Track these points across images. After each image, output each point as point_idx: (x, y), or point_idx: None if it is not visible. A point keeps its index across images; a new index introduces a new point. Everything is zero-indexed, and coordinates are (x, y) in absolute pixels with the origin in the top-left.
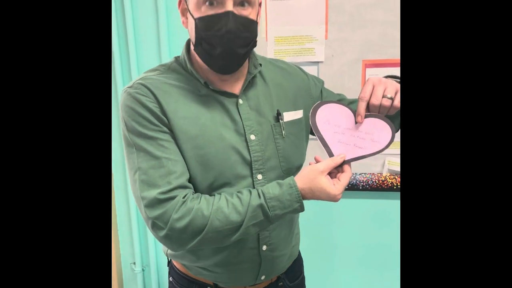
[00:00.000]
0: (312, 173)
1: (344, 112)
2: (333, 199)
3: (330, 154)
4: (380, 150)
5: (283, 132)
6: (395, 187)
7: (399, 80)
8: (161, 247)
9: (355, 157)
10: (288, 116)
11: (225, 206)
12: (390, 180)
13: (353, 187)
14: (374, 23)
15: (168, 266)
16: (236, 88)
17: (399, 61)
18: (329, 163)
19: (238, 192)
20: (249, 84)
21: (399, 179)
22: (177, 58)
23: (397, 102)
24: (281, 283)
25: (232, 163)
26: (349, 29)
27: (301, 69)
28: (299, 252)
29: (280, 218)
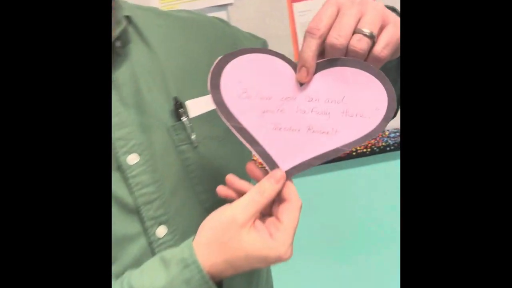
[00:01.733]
0: (226, 231)
1: (275, 68)
2: (277, 260)
3: (265, 156)
4: (375, 130)
5: (192, 136)
6: (354, 153)
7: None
8: None
9: (317, 155)
10: (200, 105)
11: None
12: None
13: None
14: None
15: None
16: None
17: None
18: (253, 202)
19: None
20: (116, 57)
21: (364, 144)
22: None
23: (382, 46)
24: None
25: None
26: None
27: (221, 19)
28: None
29: None
